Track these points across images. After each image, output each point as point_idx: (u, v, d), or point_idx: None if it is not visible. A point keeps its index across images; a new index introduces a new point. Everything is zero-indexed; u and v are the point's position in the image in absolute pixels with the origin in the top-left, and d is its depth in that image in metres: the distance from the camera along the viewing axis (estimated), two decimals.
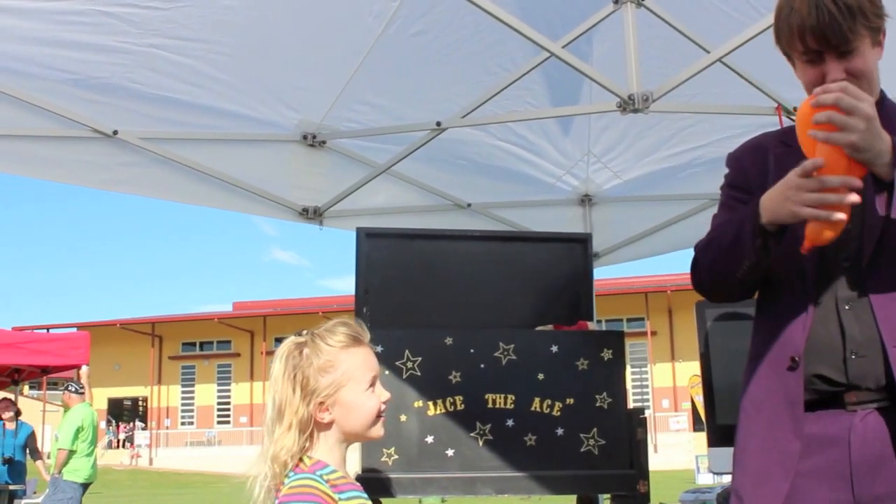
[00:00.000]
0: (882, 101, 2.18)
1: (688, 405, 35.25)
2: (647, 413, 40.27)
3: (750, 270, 2.13)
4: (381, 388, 2.09)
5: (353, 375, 2.03)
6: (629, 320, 42.40)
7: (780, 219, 2.01)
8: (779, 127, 2.36)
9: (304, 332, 2.09)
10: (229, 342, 49.95)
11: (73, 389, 10.24)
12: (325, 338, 2.05)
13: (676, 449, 35.25)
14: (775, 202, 2.00)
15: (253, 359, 47.96)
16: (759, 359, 2.20)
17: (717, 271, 2.23)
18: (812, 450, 2.05)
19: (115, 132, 4.25)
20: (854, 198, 1.89)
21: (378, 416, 2.07)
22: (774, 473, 2.09)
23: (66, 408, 10.25)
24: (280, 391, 2.01)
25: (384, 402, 2.08)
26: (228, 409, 49.43)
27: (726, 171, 2.40)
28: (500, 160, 5.60)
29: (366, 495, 2.04)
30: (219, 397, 49.96)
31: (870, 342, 2.01)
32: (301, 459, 2.01)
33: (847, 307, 2.05)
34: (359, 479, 2.67)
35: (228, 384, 49.85)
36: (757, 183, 2.25)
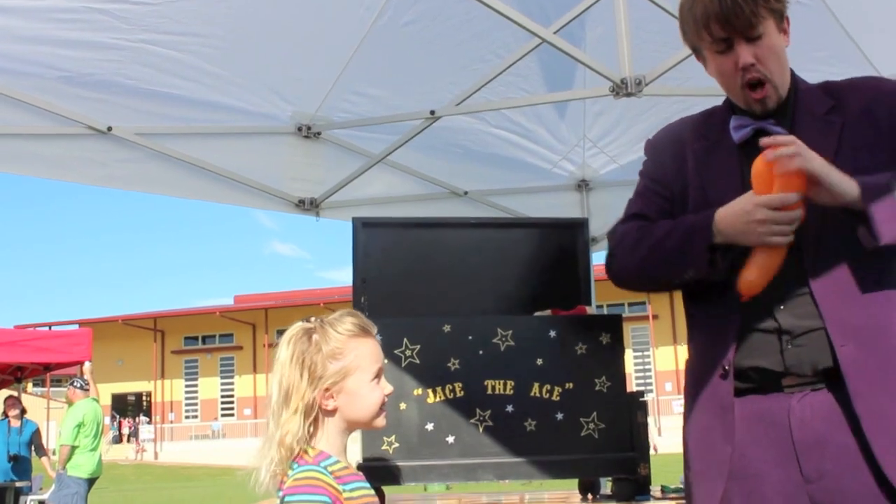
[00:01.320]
0: (795, 87, 2.20)
1: None
2: (651, 397, 40.46)
3: (692, 280, 2.16)
4: (385, 381, 2.10)
5: (360, 364, 2.04)
6: (630, 304, 42.40)
7: (739, 242, 2.05)
8: None
9: (313, 318, 2.10)
10: (231, 335, 50.01)
11: (78, 385, 10.26)
12: (334, 325, 2.05)
13: (679, 432, 35.29)
14: (737, 230, 2.04)
15: (255, 351, 48.02)
16: (696, 366, 2.24)
17: (651, 275, 2.27)
18: (754, 434, 2.09)
19: (110, 128, 4.25)
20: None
21: (381, 408, 2.08)
22: (711, 475, 2.13)
23: (71, 404, 10.27)
24: (287, 375, 2.01)
25: (387, 395, 2.09)
26: (232, 402, 49.53)
27: (644, 157, 2.42)
28: (495, 147, 5.60)
29: (368, 485, 2.05)
30: (222, 390, 50.05)
31: (807, 332, 2.04)
32: (304, 450, 2.01)
33: (782, 307, 2.07)
34: (360, 467, 2.68)
35: (231, 377, 49.93)
36: (674, 177, 2.28)
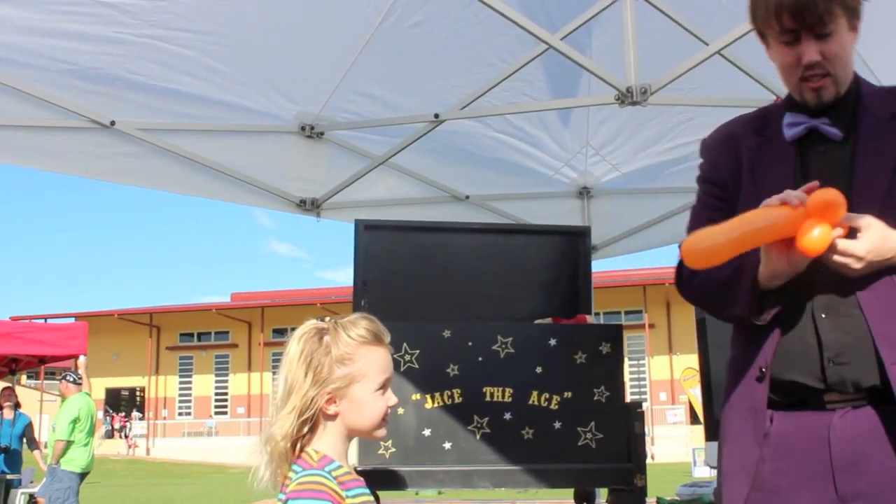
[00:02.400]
0: (859, 88, 2.15)
1: (685, 398, 35.28)
2: (645, 406, 40.43)
3: (738, 317, 2.14)
4: (391, 392, 2.06)
5: (367, 373, 2.00)
6: (627, 313, 42.39)
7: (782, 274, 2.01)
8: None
9: (328, 318, 2.07)
10: (227, 333, 49.93)
11: (71, 379, 10.23)
12: (347, 329, 2.01)
13: (674, 442, 35.30)
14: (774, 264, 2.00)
15: (251, 350, 47.95)
16: (734, 367, 2.20)
17: (706, 303, 2.26)
18: (793, 447, 2.05)
19: (113, 122, 4.24)
20: None
21: (383, 418, 2.05)
22: (738, 478, 2.11)
23: (63, 398, 10.24)
24: (293, 372, 1.98)
25: (390, 407, 2.06)
26: (226, 400, 49.45)
27: (700, 160, 2.37)
28: (498, 152, 5.59)
29: (369, 491, 2.03)
30: (216, 388, 49.97)
31: (851, 348, 1.99)
32: (307, 452, 1.99)
33: (823, 315, 2.03)
34: (356, 472, 2.67)
35: (226, 375, 49.85)
36: (730, 177, 2.23)
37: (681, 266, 2.24)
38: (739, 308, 2.08)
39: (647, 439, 28.55)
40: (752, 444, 2.09)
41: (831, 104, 2.09)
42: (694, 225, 2.24)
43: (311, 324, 2.04)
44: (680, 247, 2.24)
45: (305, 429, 1.98)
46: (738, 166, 2.21)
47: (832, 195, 1.87)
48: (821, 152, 2.06)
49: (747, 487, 2.08)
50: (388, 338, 2.06)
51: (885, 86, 2.20)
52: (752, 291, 2.04)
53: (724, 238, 1.94)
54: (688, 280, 2.25)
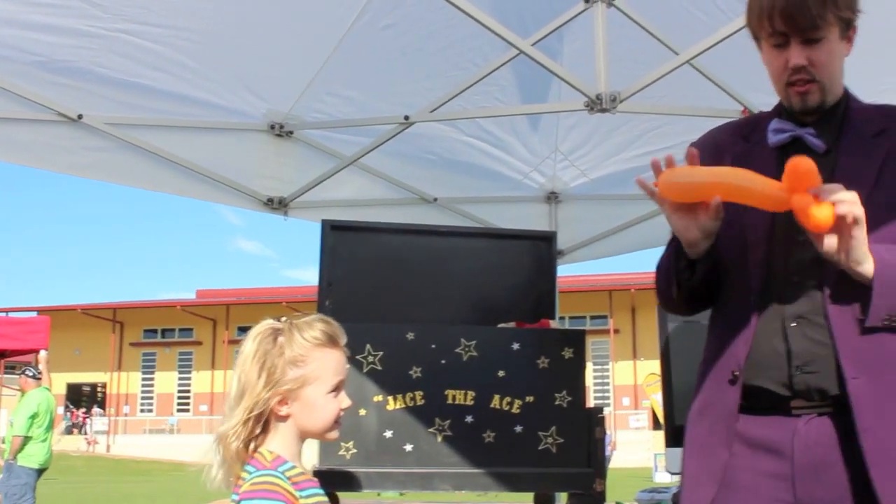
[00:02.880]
0: (848, 102, 2.18)
1: (648, 403, 35.50)
2: (608, 411, 40.59)
3: (681, 292, 2.19)
4: (344, 395, 2.07)
5: (320, 375, 2.01)
6: (592, 318, 42.61)
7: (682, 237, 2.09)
8: None
9: (283, 318, 2.07)
10: (191, 330, 49.66)
11: (31, 374, 10.12)
12: (302, 330, 2.02)
13: (636, 447, 35.49)
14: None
15: (215, 347, 47.73)
16: (706, 370, 2.23)
17: (661, 291, 2.29)
18: (756, 452, 2.08)
19: (80, 116, 4.20)
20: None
21: (336, 420, 2.05)
22: (703, 481, 2.12)
23: (23, 392, 10.14)
24: (247, 372, 1.99)
25: (343, 409, 2.07)
26: (188, 397, 49.17)
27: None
28: (467, 155, 5.60)
29: (323, 492, 2.03)
30: (179, 385, 49.67)
31: (818, 358, 2.02)
32: (260, 453, 1.99)
33: (794, 324, 2.05)
34: (316, 472, 2.67)
35: (189, 372, 49.57)
36: None
37: (656, 278, 2.31)
38: (675, 280, 2.15)
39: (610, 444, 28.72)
40: (721, 447, 2.11)
41: (818, 116, 2.12)
42: (670, 236, 2.27)
43: (266, 323, 2.04)
44: (657, 265, 2.31)
45: (258, 429, 1.98)
46: None
47: (807, 164, 1.88)
48: None
49: (713, 492, 2.09)
50: (344, 340, 2.06)
51: (875, 103, 2.22)
52: (680, 260, 2.12)
53: (702, 180, 1.98)
54: (656, 284, 2.31)
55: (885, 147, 2.07)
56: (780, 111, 2.21)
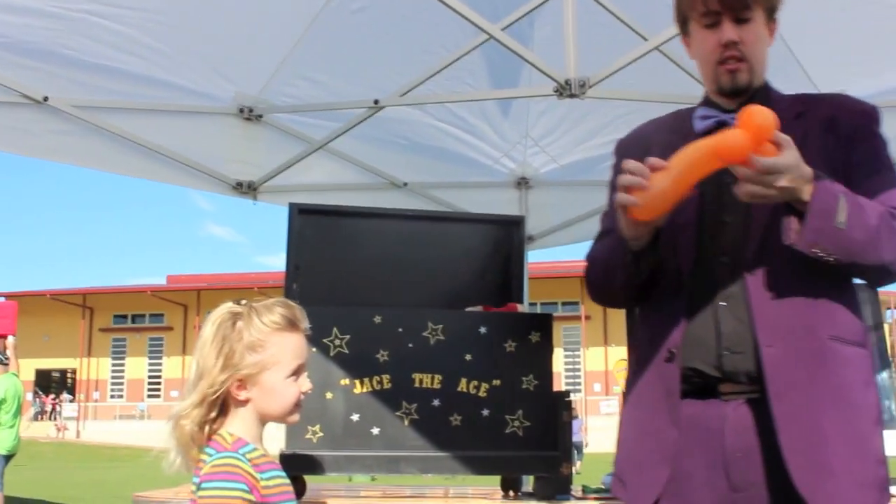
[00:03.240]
0: (767, 92, 2.25)
1: (619, 389, 35.71)
2: (579, 397, 40.83)
3: (625, 286, 2.21)
4: (305, 378, 2.06)
5: (279, 360, 2.00)
6: (564, 304, 42.74)
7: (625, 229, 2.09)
8: None
9: (244, 301, 2.06)
10: (162, 315, 49.42)
11: None
12: (261, 314, 2.01)
13: (606, 432, 35.70)
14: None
15: (186, 333, 47.50)
16: (641, 352, 2.26)
17: (599, 285, 2.33)
18: (690, 436, 2.11)
19: (46, 98, 4.15)
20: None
21: (296, 404, 2.05)
22: (654, 460, 2.14)
23: None
24: (205, 357, 1.98)
25: (304, 393, 2.06)
26: (159, 383, 48.97)
27: (613, 158, 2.42)
28: (437, 140, 5.60)
29: (284, 474, 2.03)
30: (150, 371, 49.44)
31: (744, 339, 2.06)
32: (220, 435, 1.99)
33: (724, 304, 2.10)
34: (282, 456, 2.67)
35: (160, 358, 49.37)
36: None
37: (585, 272, 2.36)
38: (621, 273, 2.17)
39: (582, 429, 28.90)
40: (668, 425, 2.13)
41: (743, 101, 2.17)
42: (608, 225, 2.34)
43: (226, 307, 2.03)
44: (587, 258, 2.37)
45: (213, 412, 1.97)
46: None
47: (763, 113, 1.92)
48: None
49: (666, 471, 2.11)
50: (305, 323, 2.06)
51: (793, 94, 2.31)
52: (626, 252, 2.13)
53: (668, 181, 1.97)
54: (588, 277, 2.36)
55: (804, 126, 2.14)
56: (705, 102, 2.28)
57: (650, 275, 2.19)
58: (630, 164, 2.00)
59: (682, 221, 2.14)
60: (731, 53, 2.14)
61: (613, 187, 2.31)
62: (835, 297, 2.10)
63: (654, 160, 1.98)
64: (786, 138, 1.93)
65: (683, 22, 2.27)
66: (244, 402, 2.00)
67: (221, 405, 1.99)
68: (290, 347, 2.02)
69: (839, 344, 2.07)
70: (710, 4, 2.13)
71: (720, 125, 2.13)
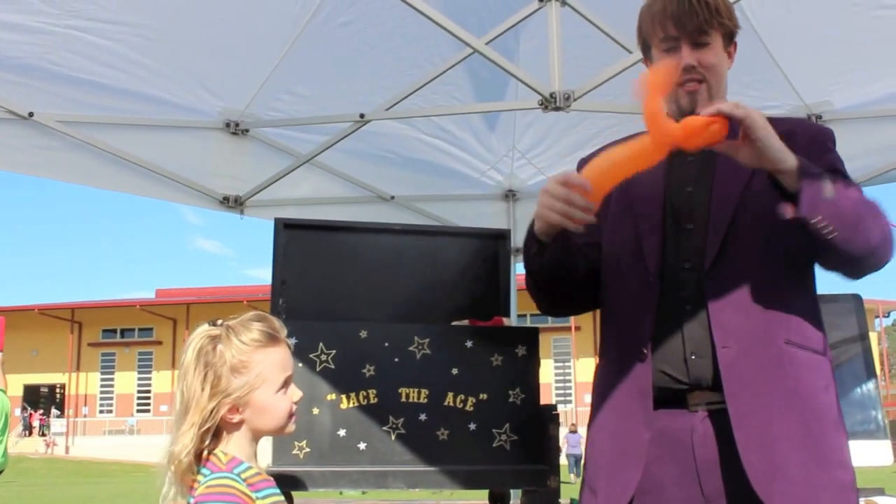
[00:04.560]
0: None
1: None
2: (570, 408, 40.78)
3: (543, 265, 2.26)
4: (294, 388, 2.04)
5: (266, 377, 1.97)
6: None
7: (539, 225, 2.16)
8: None
9: (219, 321, 2.03)
10: (151, 329, 49.20)
11: None
12: (239, 334, 1.98)
13: None
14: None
15: (175, 347, 47.27)
16: (609, 356, 2.30)
17: (541, 283, 2.37)
18: (661, 446, 2.13)
19: (31, 114, 4.15)
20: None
21: (290, 416, 2.04)
22: (626, 464, 2.15)
23: None
24: (189, 387, 1.95)
25: (295, 403, 2.05)
26: (149, 398, 48.72)
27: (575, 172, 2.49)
28: (424, 154, 5.61)
29: (279, 491, 2.02)
30: (139, 385, 49.21)
31: (705, 343, 2.10)
32: (215, 455, 1.97)
33: (688, 307, 2.14)
34: (269, 472, 2.65)
35: (149, 372, 49.13)
36: None
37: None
38: (529, 265, 2.27)
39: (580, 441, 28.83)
40: (640, 426, 2.15)
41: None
42: None
43: (202, 331, 2.00)
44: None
45: (207, 439, 1.95)
46: None
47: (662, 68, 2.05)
48: (689, 161, 2.20)
49: (639, 473, 2.13)
50: (284, 333, 2.04)
51: None
52: (534, 243, 2.22)
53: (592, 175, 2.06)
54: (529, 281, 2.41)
55: None
56: None
57: (586, 274, 2.27)
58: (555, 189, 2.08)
59: (647, 228, 2.20)
60: (691, 76, 2.19)
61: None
62: (792, 304, 2.14)
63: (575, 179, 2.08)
64: (737, 103, 1.98)
65: (646, 47, 2.33)
66: (238, 426, 1.98)
67: (215, 430, 1.97)
68: (275, 362, 2.00)
69: (795, 349, 2.10)
70: (669, 30, 2.20)
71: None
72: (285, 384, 2.01)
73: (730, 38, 2.26)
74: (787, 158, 1.99)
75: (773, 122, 2.28)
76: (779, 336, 2.09)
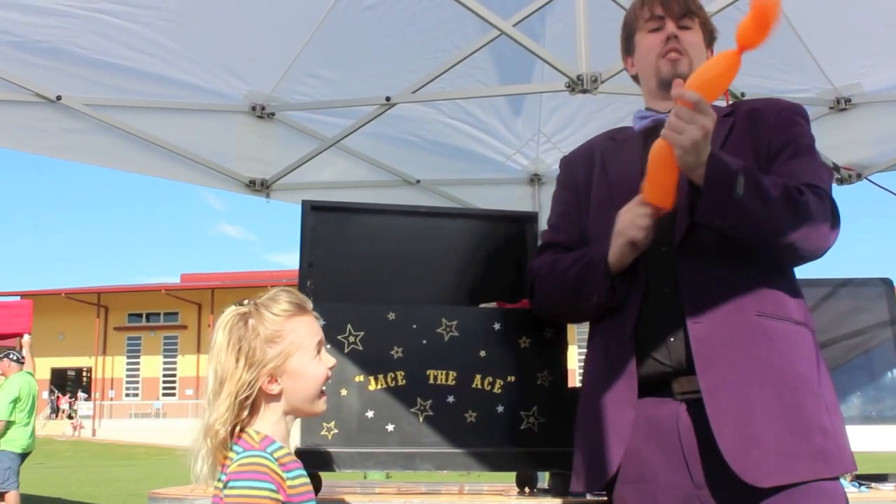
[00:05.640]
0: None
1: None
2: None
3: (596, 306, 2.30)
4: (326, 354, 2.08)
5: (301, 344, 2.01)
6: None
7: (618, 250, 2.20)
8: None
9: (246, 301, 2.06)
10: (176, 314, 49.52)
11: (14, 358, 10.09)
12: (269, 307, 2.02)
13: None
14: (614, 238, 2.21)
15: (200, 331, 47.58)
16: (596, 340, 2.36)
17: (562, 305, 2.46)
18: (648, 435, 2.16)
19: (59, 97, 4.17)
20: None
21: (325, 380, 2.06)
22: (610, 443, 2.20)
23: (5, 377, 10.10)
24: (223, 363, 1.97)
25: (330, 368, 2.07)
26: (174, 381, 49.08)
27: (559, 172, 2.63)
28: (449, 137, 5.60)
29: (306, 473, 2.03)
30: (164, 369, 49.57)
31: (680, 324, 2.14)
32: (248, 433, 1.98)
33: (666, 290, 2.19)
34: (298, 452, 2.66)
35: (175, 356, 49.47)
36: (583, 178, 2.49)
37: (530, 288, 2.55)
38: (597, 295, 2.26)
39: None
40: (625, 407, 2.19)
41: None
42: (551, 238, 2.56)
43: (231, 311, 2.03)
44: (527, 271, 2.55)
45: (244, 413, 1.97)
46: (591, 167, 2.48)
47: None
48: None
49: (621, 451, 2.17)
50: (310, 304, 2.07)
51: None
52: (605, 275, 2.23)
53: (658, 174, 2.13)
54: (541, 291, 2.50)
55: (732, 120, 2.31)
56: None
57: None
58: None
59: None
60: (673, 46, 2.32)
61: (557, 200, 2.56)
62: (764, 277, 2.17)
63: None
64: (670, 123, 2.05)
65: (629, 38, 2.48)
66: (276, 397, 2.00)
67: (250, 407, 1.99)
68: (306, 328, 2.04)
69: (768, 319, 2.12)
70: (655, 10, 2.36)
71: (658, 126, 2.22)
72: (318, 351, 2.04)
73: (710, 37, 2.42)
74: (697, 172, 2.05)
75: (746, 102, 2.43)
76: (750, 309, 2.12)
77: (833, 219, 2.15)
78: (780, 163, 2.21)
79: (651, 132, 2.29)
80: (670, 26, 2.34)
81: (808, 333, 2.19)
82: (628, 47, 2.50)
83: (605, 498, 2.36)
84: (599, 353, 2.33)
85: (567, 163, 2.60)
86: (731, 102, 2.51)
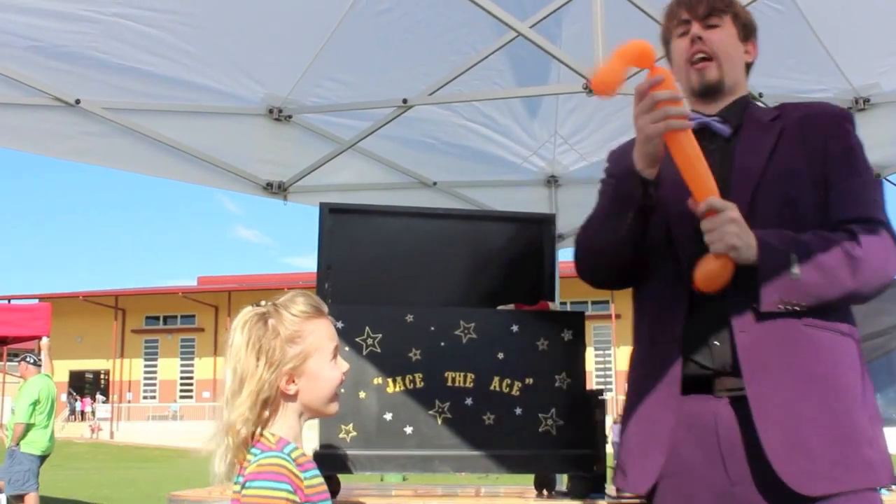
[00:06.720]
0: (747, 102, 2.38)
1: None
2: (611, 395, 40.65)
3: (633, 224, 2.26)
4: (340, 359, 2.09)
5: (319, 345, 2.03)
6: (594, 303, 42.56)
7: (645, 156, 2.19)
8: None
9: (264, 302, 2.07)
10: (193, 316, 49.72)
11: (31, 361, 10.14)
12: (288, 307, 2.03)
13: None
14: (636, 146, 2.22)
15: (217, 333, 47.72)
16: (643, 342, 2.35)
17: (598, 241, 2.37)
18: (688, 431, 2.18)
19: (78, 101, 4.19)
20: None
21: (339, 383, 2.07)
22: (651, 447, 2.22)
23: (23, 379, 10.15)
24: (242, 362, 1.98)
25: (344, 373, 2.08)
26: (191, 384, 49.27)
27: (606, 164, 2.59)
28: (466, 139, 5.59)
29: (320, 474, 2.04)
30: (182, 372, 49.76)
31: (726, 330, 2.15)
32: (264, 436, 1.99)
33: (713, 295, 2.16)
34: (316, 455, 2.67)
35: (192, 359, 49.67)
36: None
37: (576, 250, 2.47)
38: (632, 201, 2.24)
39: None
40: (667, 412, 2.21)
41: (723, 109, 2.34)
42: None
43: (250, 311, 2.04)
44: (575, 240, 2.47)
45: (265, 413, 1.98)
46: None
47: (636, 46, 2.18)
48: (710, 149, 2.24)
49: (663, 457, 2.19)
50: (326, 308, 2.08)
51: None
52: (636, 177, 2.23)
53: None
54: (579, 248, 2.45)
55: (780, 126, 2.29)
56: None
57: (635, 251, 2.28)
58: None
59: (678, 213, 2.22)
60: (699, 48, 2.32)
61: (602, 193, 2.49)
62: None
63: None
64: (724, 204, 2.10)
65: (666, 48, 2.48)
66: (293, 398, 2.01)
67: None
68: (324, 331, 2.05)
69: (814, 329, 2.13)
70: (681, 15, 2.37)
71: (703, 129, 2.27)
72: (334, 355, 2.05)
73: (745, 30, 2.38)
74: (751, 253, 2.08)
75: (794, 106, 2.38)
76: (797, 318, 2.12)
77: (895, 247, 2.17)
78: (838, 180, 2.21)
79: (697, 133, 2.26)
80: (695, 28, 2.33)
81: (853, 344, 2.19)
82: (668, 57, 2.50)
83: (628, 501, 2.37)
84: (644, 357, 2.33)
85: (617, 155, 2.56)
86: (770, 106, 2.53)
